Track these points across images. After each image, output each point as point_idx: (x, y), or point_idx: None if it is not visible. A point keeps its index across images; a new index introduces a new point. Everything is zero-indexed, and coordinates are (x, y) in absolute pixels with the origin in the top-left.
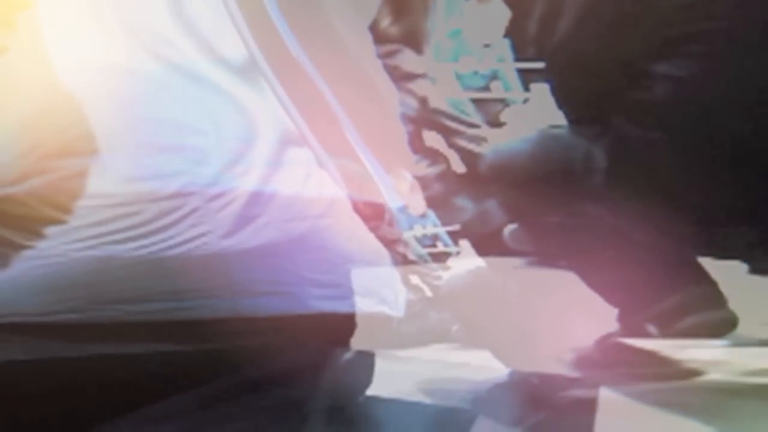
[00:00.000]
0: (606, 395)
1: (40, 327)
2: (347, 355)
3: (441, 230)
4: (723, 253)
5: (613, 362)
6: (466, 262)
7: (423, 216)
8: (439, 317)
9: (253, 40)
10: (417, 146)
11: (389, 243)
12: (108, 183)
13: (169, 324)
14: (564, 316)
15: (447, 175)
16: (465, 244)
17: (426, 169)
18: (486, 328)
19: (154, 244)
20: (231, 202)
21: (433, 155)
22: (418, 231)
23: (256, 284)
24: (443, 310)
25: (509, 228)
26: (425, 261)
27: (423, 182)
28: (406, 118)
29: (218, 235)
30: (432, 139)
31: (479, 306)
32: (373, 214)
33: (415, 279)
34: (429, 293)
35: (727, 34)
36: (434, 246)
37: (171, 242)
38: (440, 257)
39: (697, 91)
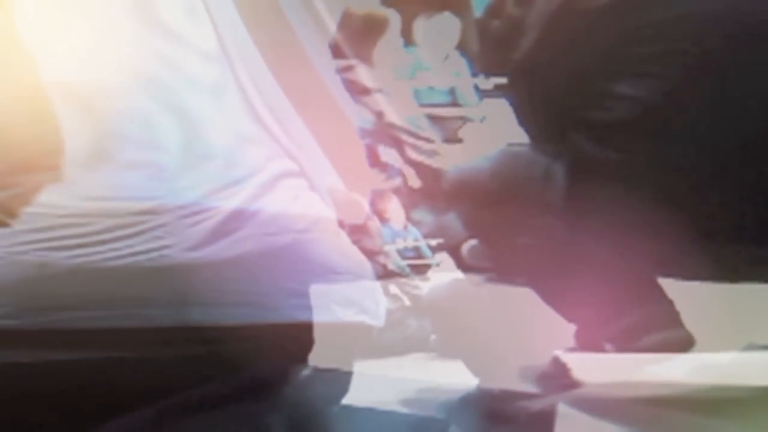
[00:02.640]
0: (564, 411)
1: None
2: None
3: (422, 243)
4: (684, 272)
5: (571, 377)
6: (446, 274)
7: (405, 229)
8: (418, 326)
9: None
10: (373, 160)
11: (371, 254)
12: (65, 198)
13: (127, 331)
14: (536, 330)
15: (403, 189)
16: (445, 256)
17: (383, 182)
18: (459, 339)
19: (98, 253)
20: (207, 219)
21: (390, 169)
22: (400, 244)
23: (224, 294)
24: (422, 318)
25: (468, 244)
26: (405, 272)
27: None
28: (364, 132)
29: (182, 248)
30: (387, 153)
31: (455, 317)
32: (358, 228)
33: (393, 288)
34: (407, 302)
35: (686, 55)
36: (416, 258)
37: (119, 253)
38: (420, 269)
39: (657, 111)
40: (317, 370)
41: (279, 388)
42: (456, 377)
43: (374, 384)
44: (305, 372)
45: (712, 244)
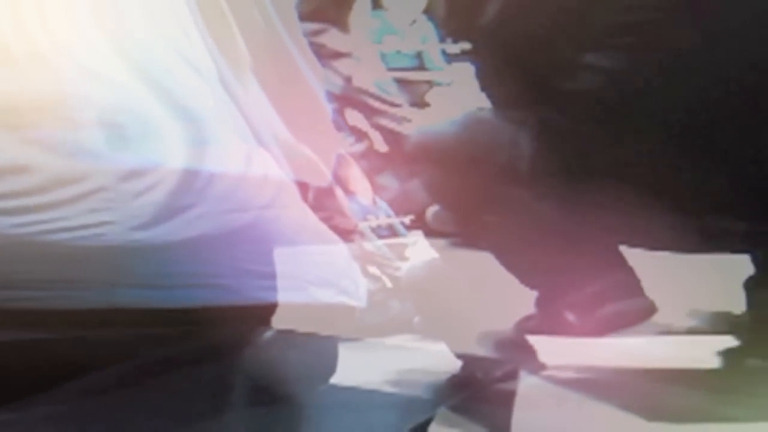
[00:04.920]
0: (526, 380)
1: None
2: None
3: (395, 220)
4: (646, 242)
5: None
6: (424, 252)
7: (374, 205)
8: (401, 307)
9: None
10: (340, 124)
11: (344, 233)
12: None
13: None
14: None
15: (370, 153)
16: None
17: (350, 147)
18: (440, 319)
19: (38, 223)
20: (153, 187)
21: (357, 133)
22: (373, 221)
23: (176, 277)
24: (405, 300)
25: (431, 209)
26: (382, 251)
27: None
28: (331, 96)
29: (127, 227)
30: (355, 117)
31: (434, 297)
32: (324, 204)
33: (373, 269)
34: (389, 284)
35: (656, 25)
36: (391, 236)
37: (57, 225)
38: (397, 247)
39: (625, 82)
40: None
41: (240, 349)
42: (441, 358)
43: (360, 364)
44: (268, 334)
45: (676, 216)
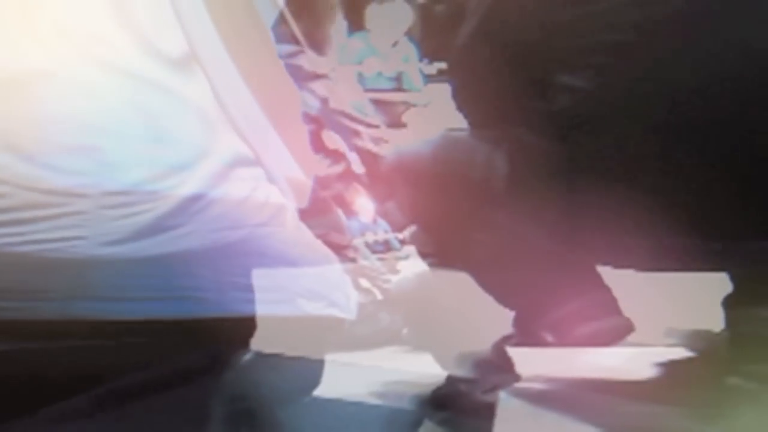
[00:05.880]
0: (505, 398)
1: None
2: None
3: (391, 236)
4: (624, 262)
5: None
6: (414, 265)
7: (374, 222)
8: (390, 319)
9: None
10: (318, 146)
11: (338, 248)
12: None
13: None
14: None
15: (347, 175)
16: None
17: (327, 168)
18: (429, 331)
19: (12, 235)
20: (143, 212)
21: (334, 155)
22: (370, 237)
23: (149, 290)
24: (394, 312)
25: (409, 230)
26: (375, 265)
27: (324, 182)
28: (308, 118)
29: (98, 242)
30: (332, 139)
31: (423, 309)
32: (321, 222)
33: (365, 282)
34: (379, 296)
35: (631, 46)
36: (385, 251)
37: (23, 238)
38: (389, 261)
39: (600, 102)
40: (283, 359)
41: (218, 373)
42: (428, 370)
43: (347, 376)
44: (247, 357)
45: (653, 235)
